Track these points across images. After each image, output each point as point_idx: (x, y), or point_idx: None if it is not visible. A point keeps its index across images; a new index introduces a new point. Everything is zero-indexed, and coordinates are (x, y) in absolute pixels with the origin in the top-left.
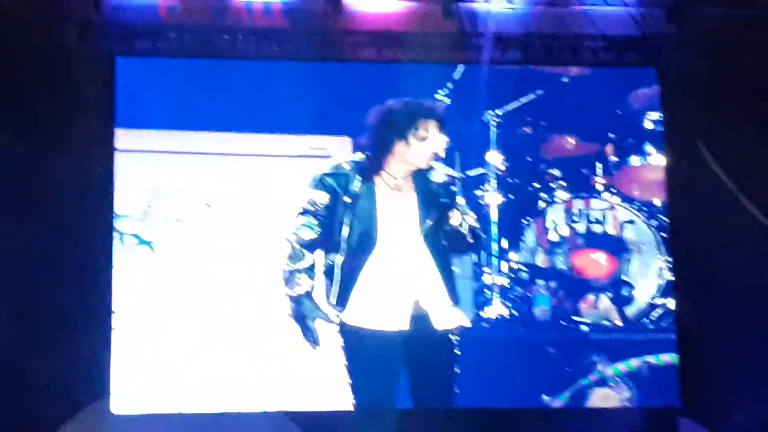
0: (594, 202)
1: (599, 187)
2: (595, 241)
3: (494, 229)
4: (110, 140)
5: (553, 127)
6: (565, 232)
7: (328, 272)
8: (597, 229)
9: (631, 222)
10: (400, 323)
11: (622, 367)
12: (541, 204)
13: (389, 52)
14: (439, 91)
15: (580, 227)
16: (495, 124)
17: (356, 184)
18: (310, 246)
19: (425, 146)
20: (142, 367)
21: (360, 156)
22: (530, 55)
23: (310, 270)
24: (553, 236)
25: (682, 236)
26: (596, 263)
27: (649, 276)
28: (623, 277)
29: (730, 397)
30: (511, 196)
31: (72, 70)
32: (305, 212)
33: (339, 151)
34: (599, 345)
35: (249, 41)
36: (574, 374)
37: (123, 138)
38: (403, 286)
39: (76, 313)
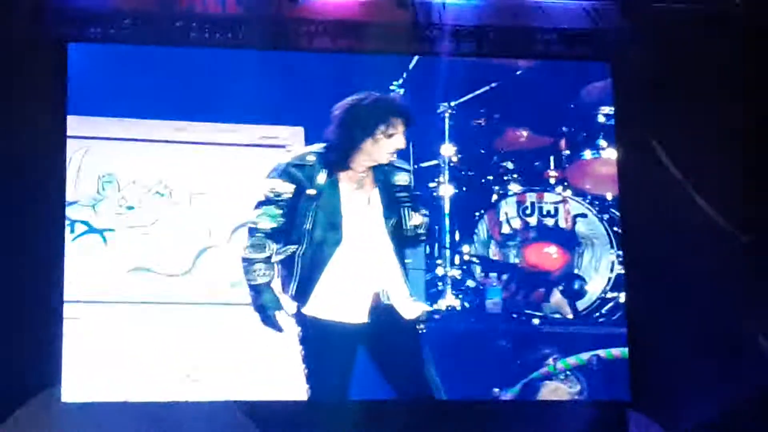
0: (546, 196)
1: (552, 181)
2: (547, 234)
3: (447, 222)
4: (62, 127)
5: (507, 120)
6: (518, 225)
7: (287, 264)
8: (549, 222)
9: (583, 216)
10: (363, 316)
11: (572, 360)
12: (494, 197)
13: (344, 42)
14: (394, 82)
15: (533, 220)
16: (449, 115)
17: (321, 177)
18: (271, 236)
19: (390, 143)
20: (94, 355)
21: (321, 147)
22: (484, 48)
23: (269, 260)
24: (505, 229)
25: (634, 229)
26: (548, 256)
27: (601, 270)
28: (575, 271)
29: (680, 390)
30: (464, 189)
31: (23, 56)
32: (267, 202)
33: (292, 141)
34: (550, 338)
35: (202, 29)
36: (525, 367)
37: (74, 125)
38: (368, 280)
39: (27, 300)
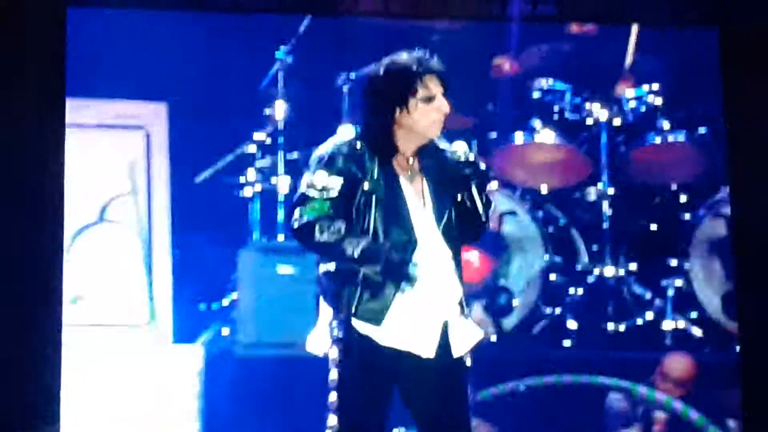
0: None
1: None
2: None
3: None
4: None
5: None
6: None
7: (343, 274)
8: None
9: (511, 213)
10: (430, 350)
11: (493, 391)
12: None
13: (395, 7)
14: (281, 47)
15: None
16: (347, 89)
17: (374, 167)
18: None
19: (432, 108)
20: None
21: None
22: (565, 10)
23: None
24: None
25: (748, 230)
26: (467, 264)
27: (533, 280)
28: (500, 282)
29: None
30: None
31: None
32: (312, 200)
33: (152, 121)
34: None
35: None
36: None
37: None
38: (439, 299)
39: (24, 327)
